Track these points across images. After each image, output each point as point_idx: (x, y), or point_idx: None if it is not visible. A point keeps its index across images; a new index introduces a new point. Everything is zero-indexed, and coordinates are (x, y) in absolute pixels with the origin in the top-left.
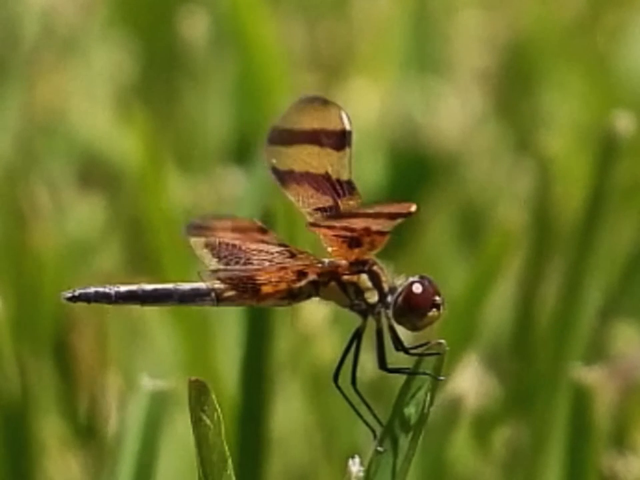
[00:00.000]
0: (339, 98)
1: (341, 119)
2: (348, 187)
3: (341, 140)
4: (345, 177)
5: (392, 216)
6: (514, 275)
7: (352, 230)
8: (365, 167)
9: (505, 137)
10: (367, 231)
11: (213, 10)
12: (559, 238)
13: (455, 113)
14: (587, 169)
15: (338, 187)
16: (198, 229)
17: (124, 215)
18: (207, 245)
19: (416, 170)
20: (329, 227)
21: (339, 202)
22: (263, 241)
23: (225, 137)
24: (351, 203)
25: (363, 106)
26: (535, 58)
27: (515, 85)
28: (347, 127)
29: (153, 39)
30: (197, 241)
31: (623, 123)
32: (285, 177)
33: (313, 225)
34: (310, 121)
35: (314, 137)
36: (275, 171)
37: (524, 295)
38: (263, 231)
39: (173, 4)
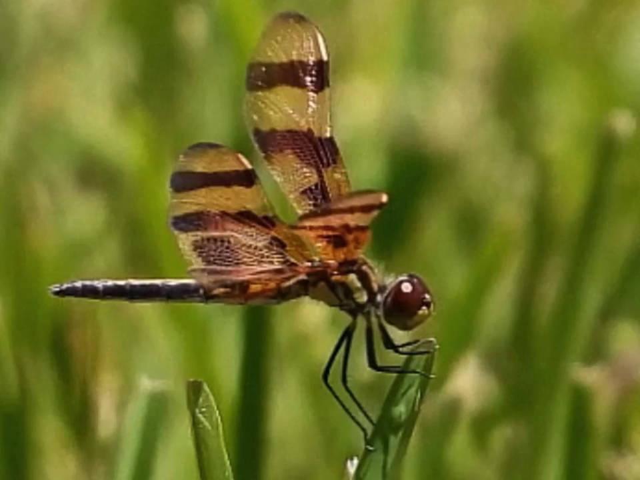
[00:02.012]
0: (339, 97)
1: (317, 46)
2: (330, 149)
3: (319, 76)
4: (326, 134)
5: (365, 209)
6: (513, 274)
7: (332, 229)
8: (365, 165)
9: (504, 137)
10: (347, 227)
11: (211, 9)
12: (558, 238)
13: (454, 112)
14: (586, 168)
15: (321, 150)
16: (184, 181)
17: (123, 215)
18: (194, 246)
19: (415, 169)
20: (310, 228)
21: (324, 174)
22: (249, 214)
23: (223, 136)
24: (336, 175)
25: (363, 105)
26: (534, 57)
27: (514, 85)
28: (324, 57)
29: (151, 39)
30: (184, 240)
31: (622, 122)
32: (267, 142)
33: (293, 227)
34: (286, 50)
35: (291, 73)
36: (257, 134)
37: (523, 295)
38: (248, 181)
39: (171, 3)
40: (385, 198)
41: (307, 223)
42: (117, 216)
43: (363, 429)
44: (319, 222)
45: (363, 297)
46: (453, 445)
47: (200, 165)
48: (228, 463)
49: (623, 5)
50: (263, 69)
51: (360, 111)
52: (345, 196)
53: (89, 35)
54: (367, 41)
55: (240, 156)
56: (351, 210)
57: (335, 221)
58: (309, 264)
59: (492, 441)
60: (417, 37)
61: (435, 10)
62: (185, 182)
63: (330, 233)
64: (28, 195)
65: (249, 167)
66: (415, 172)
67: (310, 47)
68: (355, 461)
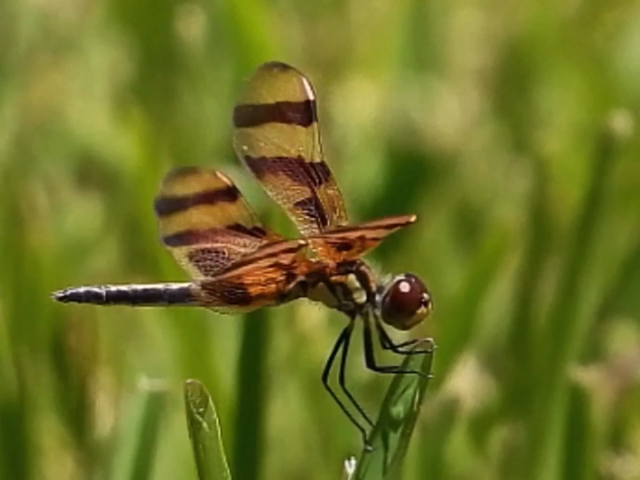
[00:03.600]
0: (337, 97)
1: (303, 87)
2: (322, 171)
3: (306, 113)
4: (317, 159)
5: (391, 227)
6: (511, 274)
7: (347, 239)
8: (363, 165)
9: (503, 136)
10: (362, 238)
11: (210, 9)
12: (556, 237)
13: (452, 112)
14: (585, 168)
15: (312, 172)
16: (168, 205)
17: (121, 215)
18: (190, 256)
19: (413, 169)
20: (326, 240)
21: (316, 191)
22: (239, 227)
23: (222, 136)
24: (329, 192)
25: (361, 105)
26: (533, 57)
27: (512, 84)
28: (310, 97)
29: (150, 38)
30: (179, 253)
31: (621, 122)
32: (258, 166)
33: (312, 237)
34: (272, 93)
35: (279, 112)
36: (248, 160)
37: (521, 295)
38: (231, 196)
39: (170, 3)
40: (413, 218)
41: (330, 237)
42: (115, 216)
43: (362, 430)
44: (340, 235)
45: (362, 297)
46: (451, 444)
47: (181, 190)
48: (226, 463)
49: (621, 5)
50: (250, 110)
51: (358, 110)
52: (376, 219)
53: (87, 34)
54: (365, 41)
55: (219, 174)
56: (377, 228)
57: (354, 234)
58: (307, 264)
59: (490, 441)
60: (416, 37)
61: (433, 10)
62: (169, 207)
63: (343, 242)
64: (26, 195)
65: (229, 184)
66: (413, 172)
67: (296, 91)
68: (353, 461)
